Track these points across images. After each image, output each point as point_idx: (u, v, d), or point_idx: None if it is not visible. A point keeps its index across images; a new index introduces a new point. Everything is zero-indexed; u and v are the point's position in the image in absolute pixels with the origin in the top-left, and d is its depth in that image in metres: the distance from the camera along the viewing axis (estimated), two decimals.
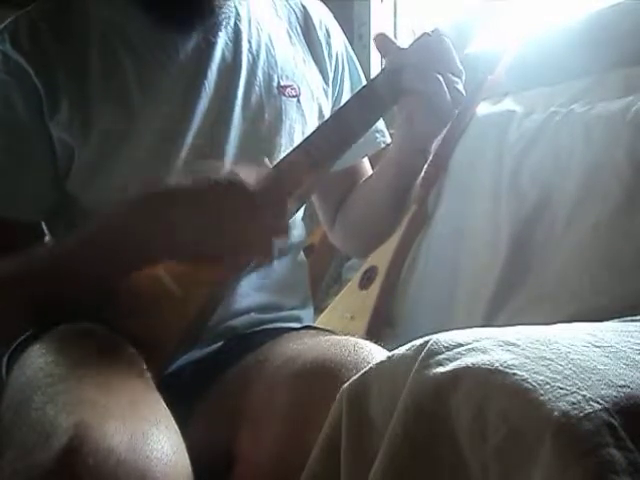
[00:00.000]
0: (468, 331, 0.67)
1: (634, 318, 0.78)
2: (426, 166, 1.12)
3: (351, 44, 1.18)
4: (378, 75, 0.94)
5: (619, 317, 0.80)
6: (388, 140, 1.15)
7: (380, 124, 1.14)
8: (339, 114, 0.95)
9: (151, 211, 0.86)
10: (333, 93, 1.12)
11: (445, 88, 0.89)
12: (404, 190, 1.03)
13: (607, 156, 1.24)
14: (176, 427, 0.75)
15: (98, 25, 0.97)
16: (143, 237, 0.86)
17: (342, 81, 1.13)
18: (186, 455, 0.72)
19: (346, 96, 1.11)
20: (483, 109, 1.54)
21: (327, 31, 1.11)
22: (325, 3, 1.16)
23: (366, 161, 1.17)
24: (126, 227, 0.87)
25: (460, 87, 0.90)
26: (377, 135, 1.14)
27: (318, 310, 1.56)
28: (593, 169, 1.25)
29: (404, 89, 0.91)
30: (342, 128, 0.92)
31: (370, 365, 0.70)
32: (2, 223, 0.95)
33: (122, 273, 0.88)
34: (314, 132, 0.93)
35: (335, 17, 1.15)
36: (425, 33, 0.92)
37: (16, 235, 0.95)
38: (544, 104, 1.41)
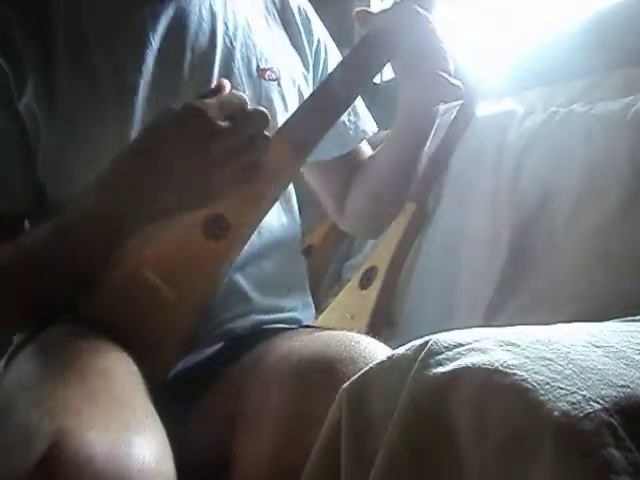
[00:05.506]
0: (468, 331, 0.67)
1: (634, 318, 0.78)
2: (425, 166, 1.14)
3: (352, 44, 1.17)
4: (360, 42, 0.96)
5: (619, 317, 0.80)
6: (370, 133, 1.17)
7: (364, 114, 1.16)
8: (325, 83, 0.96)
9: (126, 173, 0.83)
10: (315, 80, 1.11)
11: (436, 32, 0.93)
12: (415, 151, 1.06)
13: (607, 156, 1.24)
14: (163, 435, 0.72)
15: (63, 5, 0.92)
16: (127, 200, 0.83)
17: (325, 69, 1.12)
18: (171, 465, 0.70)
19: None
20: (483, 109, 1.54)
21: (307, 17, 1.11)
22: (325, 3, 1.16)
23: (365, 145, 1.18)
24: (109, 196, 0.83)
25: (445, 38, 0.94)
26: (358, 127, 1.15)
27: (318, 310, 1.56)
28: (593, 169, 1.25)
29: (395, 45, 0.94)
30: (329, 97, 0.93)
31: (370, 364, 0.70)
32: None
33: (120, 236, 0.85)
34: (300, 107, 0.94)
35: (335, 17, 1.16)
36: (395, 3, 0.97)
37: None
38: (544, 104, 1.41)
